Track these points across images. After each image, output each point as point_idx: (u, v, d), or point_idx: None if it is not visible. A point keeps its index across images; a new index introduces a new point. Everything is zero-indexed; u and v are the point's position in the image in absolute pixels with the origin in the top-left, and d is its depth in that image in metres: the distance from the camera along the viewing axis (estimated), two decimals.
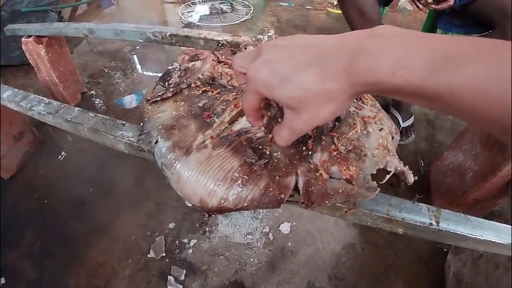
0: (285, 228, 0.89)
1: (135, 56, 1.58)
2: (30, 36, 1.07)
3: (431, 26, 1.25)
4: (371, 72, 0.23)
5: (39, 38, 1.08)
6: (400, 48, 0.22)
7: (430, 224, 0.44)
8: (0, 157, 0.97)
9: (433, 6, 0.91)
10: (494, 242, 0.45)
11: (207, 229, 0.89)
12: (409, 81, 0.22)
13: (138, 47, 1.62)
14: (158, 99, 0.48)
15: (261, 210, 0.93)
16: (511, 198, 0.78)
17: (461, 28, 0.99)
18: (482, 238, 0.45)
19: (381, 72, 0.23)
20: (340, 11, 1.84)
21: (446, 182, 0.94)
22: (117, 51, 1.62)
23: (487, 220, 0.48)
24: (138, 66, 1.52)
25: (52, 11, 1.78)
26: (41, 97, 0.66)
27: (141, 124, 0.48)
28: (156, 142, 0.43)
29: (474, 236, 0.45)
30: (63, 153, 1.10)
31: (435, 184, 0.99)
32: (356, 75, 0.24)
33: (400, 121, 1.13)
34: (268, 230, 0.89)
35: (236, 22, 1.63)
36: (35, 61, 1.13)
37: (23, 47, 1.09)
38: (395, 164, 0.41)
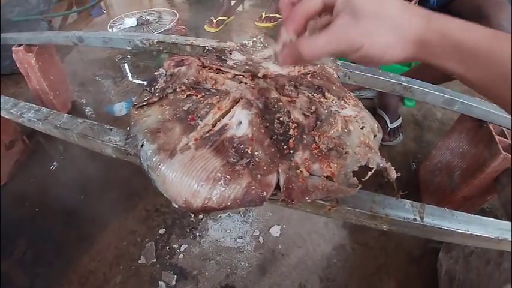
0: (275, 231, 0.90)
1: (125, 64, 1.59)
2: (20, 45, 1.07)
3: None
4: (445, 25, 0.29)
5: (29, 47, 1.08)
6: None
7: (414, 219, 0.45)
8: None
9: None
10: (481, 236, 0.46)
11: (198, 234, 0.89)
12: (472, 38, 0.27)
13: (128, 56, 1.63)
14: (144, 104, 0.49)
15: (250, 214, 0.94)
16: (499, 195, 0.79)
17: None
18: (468, 232, 0.46)
19: (453, 27, 0.29)
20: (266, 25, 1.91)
21: (435, 181, 0.95)
22: (107, 59, 1.63)
23: (473, 215, 0.49)
24: (128, 75, 1.53)
25: (43, 20, 1.79)
26: (30, 104, 0.67)
27: (128, 128, 0.49)
28: (142, 145, 0.44)
29: (460, 231, 0.46)
30: (54, 162, 1.10)
31: (424, 184, 1.00)
32: (432, 21, 0.28)
33: (388, 122, 1.15)
34: (258, 234, 0.89)
35: (160, 31, 1.69)
36: (26, 70, 1.13)
37: (13, 55, 1.09)
38: (377, 160, 0.43)
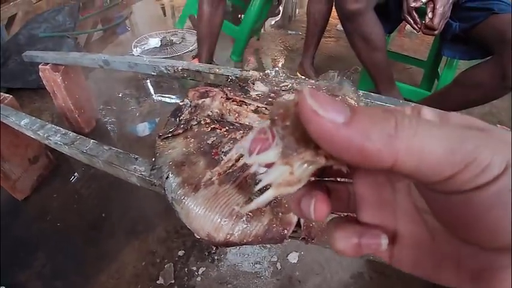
0: (293, 257, 0.90)
1: (148, 84, 1.65)
2: (47, 64, 1.13)
3: (437, 52, 1.28)
4: None
5: (56, 66, 1.14)
6: None
7: None
8: (15, 179, 1.02)
9: (424, 31, 0.95)
10: None
11: (216, 257, 0.90)
12: None
13: (152, 73, 1.69)
14: (169, 135, 0.52)
15: None
16: None
17: (465, 54, 1.02)
18: None
19: None
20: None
21: None
22: (132, 78, 1.69)
23: None
24: (152, 94, 1.58)
25: (69, 37, 1.89)
26: (57, 127, 0.71)
27: (153, 159, 0.52)
28: (167, 178, 0.46)
29: None
30: (76, 177, 1.15)
31: None
32: None
33: None
34: (276, 260, 0.90)
35: (184, 52, 1.74)
36: (52, 88, 1.19)
37: (40, 73, 1.16)
38: None
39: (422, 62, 1.36)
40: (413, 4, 0.90)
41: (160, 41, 1.79)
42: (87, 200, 1.07)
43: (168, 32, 1.91)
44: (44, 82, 1.19)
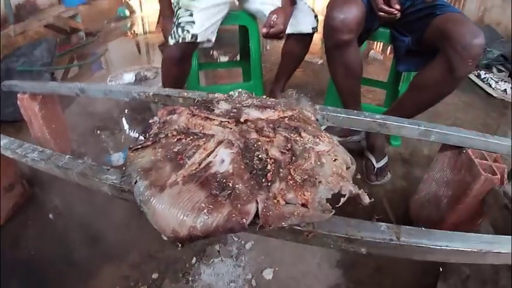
0: (267, 273, 0.92)
1: (123, 117, 1.70)
2: (25, 93, 1.15)
3: (396, 72, 1.41)
4: None
5: (34, 96, 1.16)
6: None
7: (391, 239, 0.49)
8: None
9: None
10: (463, 250, 0.51)
11: (190, 278, 0.91)
12: None
13: (126, 110, 1.74)
14: (139, 147, 0.57)
15: (243, 258, 0.96)
16: (487, 215, 0.82)
17: (420, 64, 1.11)
18: (449, 248, 0.50)
19: None
20: None
21: (425, 213, 1.00)
22: (106, 113, 1.72)
23: (451, 231, 0.53)
24: (126, 127, 1.63)
25: (46, 71, 1.94)
26: (35, 146, 0.75)
27: (124, 168, 0.56)
28: (136, 182, 0.50)
29: (440, 247, 0.50)
30: (51, 207, 1.14)
31: (415, 218, 1.05)
32: None
33: (374, 162, 1.23)
34: (250, 277, 0.91)
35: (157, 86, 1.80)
36: (29, 117, 1.20)
37: (18, 102, 1.17)
38: (349, 188, 0.49)
39: (384, 83, 1.49)
40: None
41: (135, 75, 1.86)
42: (62, 228, 1.08)
43: (142, 68, 1.98)
44: (21, 111, 1.20)
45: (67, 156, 0.68)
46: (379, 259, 0.96)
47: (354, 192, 0.49)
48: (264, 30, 1.17)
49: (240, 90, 0.70)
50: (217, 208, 0.43)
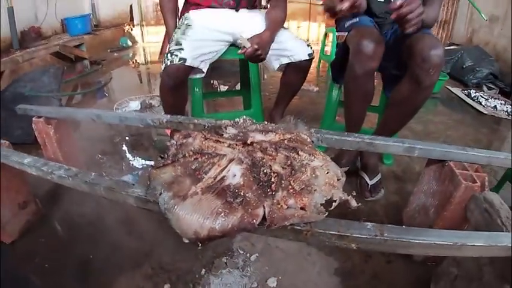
0: (271, 282, 1.01)
1: (126, 142, 1.81)
2: (40, 117, 1.25)
3: (386, 98, 1.50)
4: None
5: (49, 120, 1.26)
6: None
7: (375, 235, 0.60)
8: (5, 222, 1.09)
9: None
10: (439, 243, 0.61)
11: None
12: None
13: (133, 135, 1.86)
14: (161, 165, 0.68)
15: (248, 268, 1.05)
16: (470, 221, 0.89)
17: None
18: (426, 242, 0.60)
19: None
20: None
21: (415, 223, 1.10)
22: (112, 138, 1.84)
23: (429, 229, 0.63)
24: (130, 151, 1.73)
25: (54, 97, 2.05)
26: (59, 164, 0.85)
27: (148, 183, 0.67)
28: (160, 194, 0.61)
29: (418, 241, 0.60)
30: (63, 224, 1.23)
31: None
32: None
33: (368, 180, 1.35)
34: (256, 285, 1.00)
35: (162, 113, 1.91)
36: (43, 140, 1.30)
37: (33, 125, 1.27)
38: (339, 195, 0.60)
39: (376, 107, 1.62)
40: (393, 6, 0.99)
41: (140, 103, 1.99)
42: (74, 243, 1.15)
43: (147, 96, 2.12)
44: (36, 134, 1.29)
45: (93, 173, 0.78)
46: (375, 267, 1.06)
47: (343, 198, 0.60)
48: (239, 51, 1.30)
49: (244, 117, 0.82)
50: (232, 212, 0.54)
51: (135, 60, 3.50)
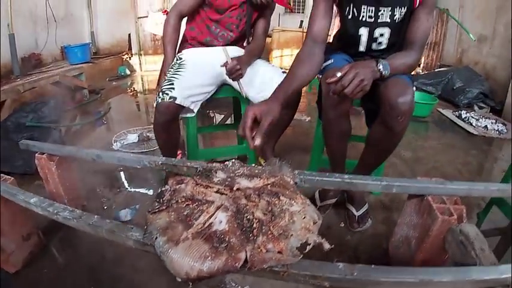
0: None
1: (127, 175, 1.90)
2: (43, 153, 1.34)
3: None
4: None
5: (51, 156, 1.35)
6: None
7: (346, 275, 0.69)
8: (9, 253, 1.17)
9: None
10: (405, 281, 0.69)
11: None
12: None
13: (131, 169, 1.93)
14: (156, 210, 0.78)
15: None
16: (448, 252, 0.95)
17: None
18: (394, 280, 0.69)
19: None
20: None
21: (400, 254, 1.17)
22: (113, 170, 1.92)
23: (398, 267, 0.71)
24: (131, 184, 1.82)
25: (54, 129, 2.15)
26: (64, 205, 0.93)
27: (145, 227, 0.76)
28: (156, 238, 0.71)
29: (387, 279, 0.68)
30: (64, 258, 1.31)
31: (393, 258, 1.23)
32: None
33: (355, 212, 1.43)
34: None
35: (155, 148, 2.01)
36: (45, 175, 1.39)
37: (36, 161, 1.35)
38: (314, 238, 0.70)
39: (363, 137, 1.71)
40: (329, 80, 1.05)
41: (138, 136, 2.10)
42: (77, 274, 1.23)
43: (145, 129, 2.22)
44: (38, 169, 1.39)
45: (96, 216, 0.88)
46: None
47: (317, 241, 0.70)
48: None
49: (233, 160, 0.92)
50: (217, 256, 0.64)
51: (133, 88, 3.64)
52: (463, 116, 2.96)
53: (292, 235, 0.69)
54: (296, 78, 1.13)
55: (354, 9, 1.23)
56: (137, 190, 1.79)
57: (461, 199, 1.02)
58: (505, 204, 1.37)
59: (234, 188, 0.80)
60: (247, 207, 0.74)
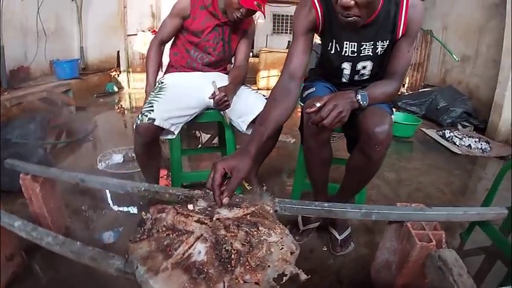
0: None
1: (112, 194, 1.89)
2: (27, 174, 1.34)
3: None
4: None
5: (35, 177, 1.35)
6: None
7: None
8: None
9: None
10: None
11: None
12: None
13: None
14: (137, 240, 0.80)
15: None
16: (428, 277, 0.98)
17: None
18: None
19: None
20: None
21: (381, 277, 1.20)
22: (97, 191, 1.90)
23: None
24: (115, 206, 1.82)
25: (39, 147, 2.14)
26: (48, 231, 0.94)
27: (126, 256, 0.78)
28: (137, 267, 0.73)
29: None
30: (46, 278, 1.30)
31: (375, 281, 1.25)
32: None
33: (337, 235, 1.45)
34: None
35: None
36: (29, 195, 1.39)
37: (20, 181, 1.36)
38: (290, 269, 0.73)
39: (345, 159, 1.75)
40: (308, 110, 1.07)
41: (123, 156, 2.10)
42: None
43: (130, 149, 2.20)
44: (22, 189, 1.39)
45: (78, 242, 0.89)
46: None
47: (294, 272, 0.73)
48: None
49: None
50: (196, 287, 0.66)
51: (121, 105, 3.66)
52: (447, 136, 3.05)
53: (269, 266, 0.72)
54: (269, 122, 1.07)
55: (337, 45, 1.25)
56: (121, 210, 1.80)
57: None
58: (487, 225, 1.40)
59: (214, 218, 0.83)
60: (226, 238, 0.76)
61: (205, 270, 0.70)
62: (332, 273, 1.34)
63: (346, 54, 1.26)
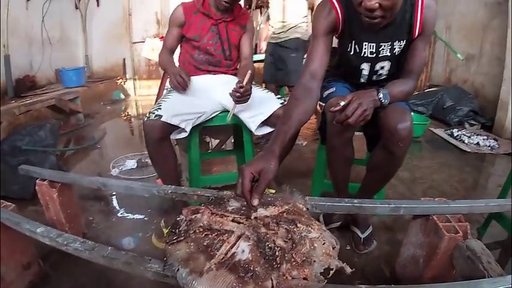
0: None
1: (127, 201, 1.88)
2: (44, 180, 1.32)
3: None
4: None
5: (52, 183, 1.33)
6: None
7: None
8: (10, 282, 1.14)
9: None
10: None
11: None
12: None
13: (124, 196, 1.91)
14: (174, 241, 0.78)
15: None
16: (456, 268, 0.98)
17: None
18: None
19: None
20: None
21: (408, 272, 1.19)
22: (107, 196, 1.90)
23: (415, 285, 0.72)
24: (131, 212, 1.80)
25: (51, 153, 2.12)
26: (75, 236, 0.91)
27: (164, 259, 0.76)
28: (178, 270, 0.71)
29: None
30: (64, 286, 1.28)
31: (400, 276, 1.24)
32: None
33: (359, 234, 1.45)
34: None
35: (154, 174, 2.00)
36: (46, 202, 1.37)
37: (36, 187, 1.34)
38: (335, 263, 0.72)
39: (363, 160, 1.75)
40: (333, 109, 1.08)
41: (136, 162, 2.08)
42: None
43: (143, 154, 2.19)
44: (39, 196, 1.37)
45: (109, 247, 0.87)
46: None
47: (339, 265, 0.71)
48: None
49: None
50: (244, 286, 0.64)
51: (128, 113, 3.66)
52: (455, 134, 3.05)
53: (315, 261, 0.71)
54: (292, 121, 1.05)
55: (356, 46, 1.26)
56: (136, 216, 1.78)
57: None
58: (503, 218, 1.42)
59: (252, 217, 0.81)
60: (268, 235, 0.75)
61: (252, 268, 0.68)
62: (358, 271, 1.33)
63: (365, 55, 1.27)
